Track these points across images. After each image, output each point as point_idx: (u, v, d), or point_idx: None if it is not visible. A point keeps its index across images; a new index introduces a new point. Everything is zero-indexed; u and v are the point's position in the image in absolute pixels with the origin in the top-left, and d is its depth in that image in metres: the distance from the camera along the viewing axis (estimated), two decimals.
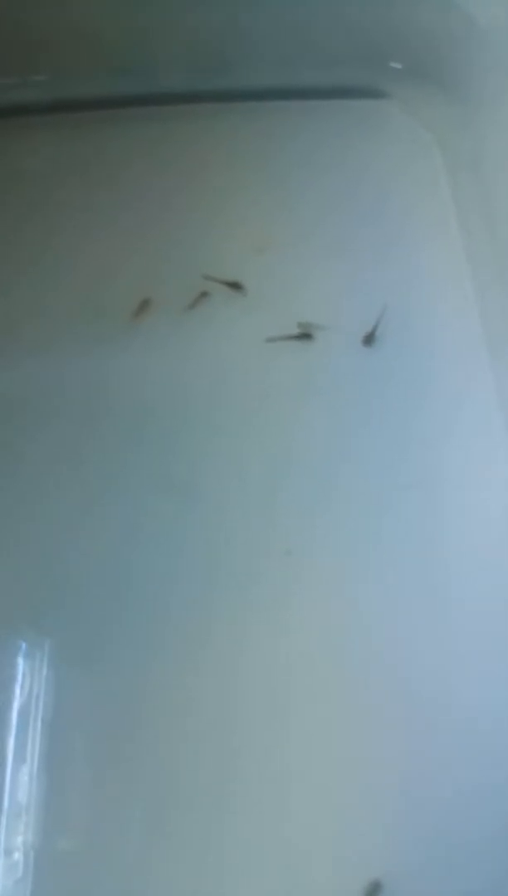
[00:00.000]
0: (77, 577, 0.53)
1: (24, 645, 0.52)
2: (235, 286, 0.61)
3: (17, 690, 0.51)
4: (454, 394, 0.58)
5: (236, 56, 0.66)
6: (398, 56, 0.67)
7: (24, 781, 0.49)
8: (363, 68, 0.67)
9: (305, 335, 0.59)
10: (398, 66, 0.67)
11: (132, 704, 0.50)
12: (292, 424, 0.57)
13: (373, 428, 0.57)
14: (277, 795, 0.49)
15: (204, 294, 0.61)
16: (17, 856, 0.48)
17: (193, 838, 0.48)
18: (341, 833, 0.48)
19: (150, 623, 0.52)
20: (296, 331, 0.59)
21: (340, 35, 0.65)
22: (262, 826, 0.49)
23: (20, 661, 0.52)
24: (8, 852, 0.48)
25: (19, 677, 0.51)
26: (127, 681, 0.51)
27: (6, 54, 0.64)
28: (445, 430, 0.57)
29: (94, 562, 0.54)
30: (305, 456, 0.57)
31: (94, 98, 0.67)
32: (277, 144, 0.66)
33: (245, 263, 0.61)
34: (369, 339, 0.59)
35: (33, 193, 0.64)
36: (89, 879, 0.48)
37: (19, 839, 0.48)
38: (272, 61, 0.66)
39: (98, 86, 0.67)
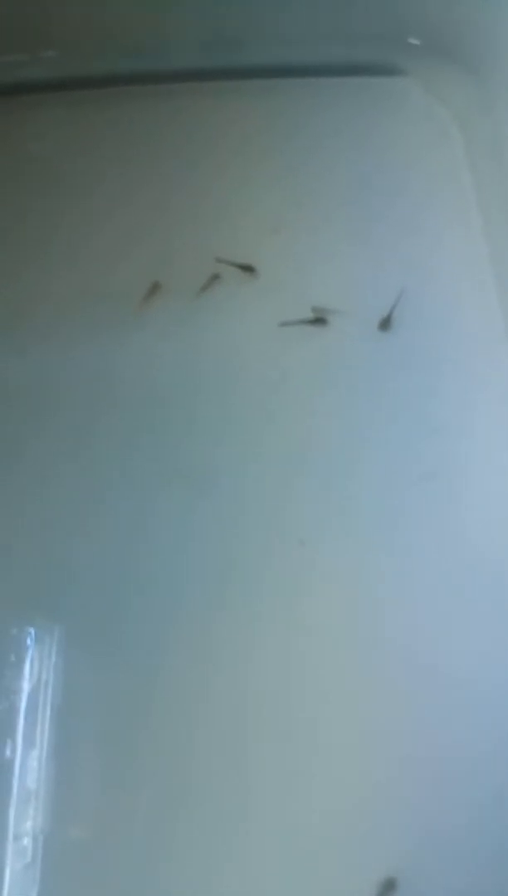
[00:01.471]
0: (87, 564, 0.53)
1: (33, 631, 0.52)
2: (247, 269, 0.60)
3: (27, 677, 0.51)
4: (472, 380, 0.57)
5: (250, 32, 0.65)
6: (416, 32, 0.65)
7: (34, 767, 0.49)
8: (381, 44, 0.66)
9: (319, 320, 0.58)
10: (416, 42, 0.66)
11: (143, 691, 0.50)
12: (307, 412, 0.57)
13: (389, 415, 0.57)
14: (289, 787, 0.49)
15: (216, 277, 0.60)
16: (27, 841, 0.48)
17: (203, 826, 0.48)
18: (355, 829, 0.48)
19: (161, 611, 0.52)
20: (310, 315, 0.58)
21: (356, 10, 0.64)
22: (273, 818, 0.49)
23: (30, 648, 0.52)
24: (17, 837, 0.48)
25: (29, 664, 0.51)
26: (138, 668, 0.51)
27: (14, 31, 0.63)
28: (463, 417, 0.56)
29: (104, 549, 0.54)
30: (319, 444, 0.56)
31: (103, 75, 0.66)
32: (291, 123, 0.64)
33: (258, 246, 0.60)
34: (385, 324, 0.58)
35: (41, 173, 0.63)
36: (98, 865, 0.48)
37: (28, 824, 0.48)
38: (287, 38, 0.65)
39: (108, 63, 0.66)
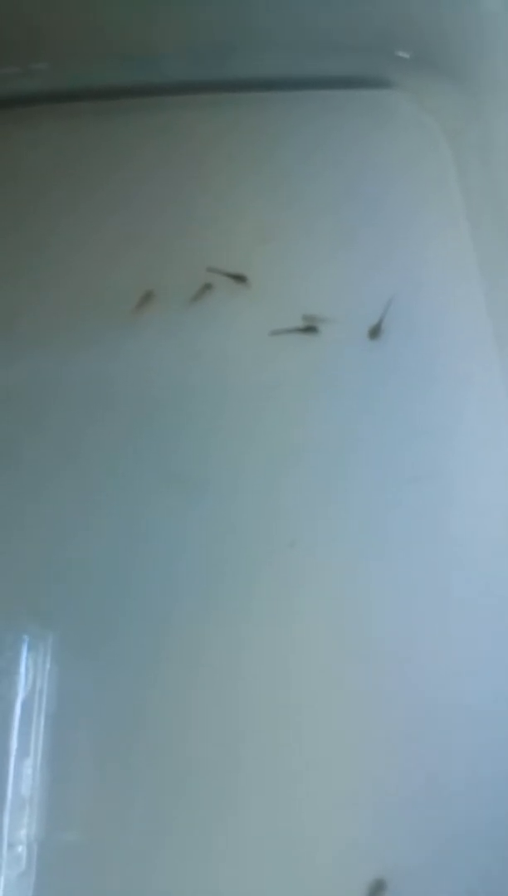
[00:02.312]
0: (80, 569, 0.53)
1: (27, 638, 0.52)
2: (239, 278, 0.60)
3: (21, 684, 0.51)
4: (460, 386, 0.58)
5: (240, 45, 0.65)
6: (405, 45, 0.66)
7: (28, 774, 0.49)
8: (370, 57, 0.66)
9: (310, 328, 0.59)
10: (405, 55, 0.67)
11: (136, 697, 0.50)
12: (297, 417, 0.57)
13: (379, 420, 0.57)
14: (281, 791, 0.49)
15: (207, 286, 0.60)
16: (21, 849, 0.48)
17: (196, 832, 0.48)
18: (345, 830, 0.48)
19: (153, 615, 0.52)
20: (301, 323, 0.59)
21: (346, 23, 0.64)
22: (266, 822, 0.48)
23: (23, 655, 0.52)
24: (11, 845, 0.48)
25: (22, 671, 0.51)
26: (131, 673, 0.51)
27: (5, 43, 0.64)
28: (451, 423, 0.57)
29: (97, 554, 0.54)
30: (310, 448, 0.56)
31: (95, 87, 0.66)
32: (281, 134, 0.65)
33: (249, 255, 0.61)
34: (375, 332, 0.59)
35: (34, 184, 0.64)
36: (92, 872, 0.48)
37: (23, 832, 0.48)
38: (277, 50, 0.66)
39: (99, 75, 0.66)
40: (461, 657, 0.51)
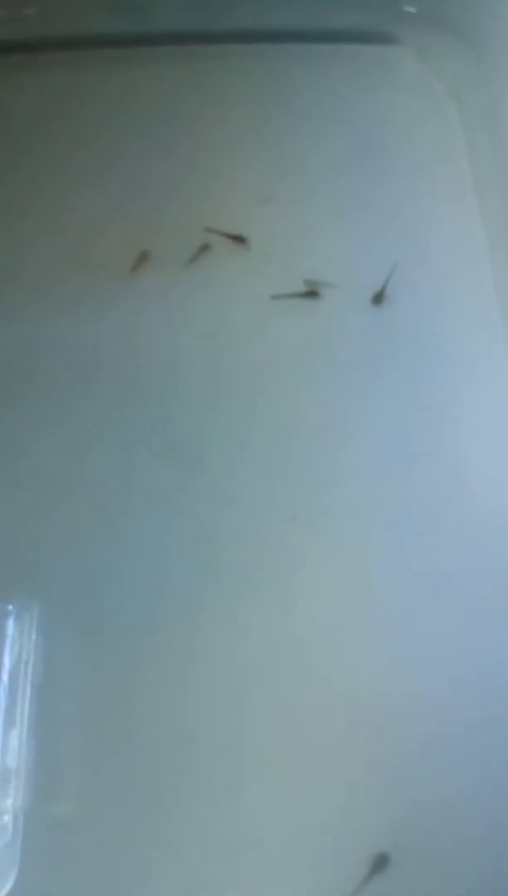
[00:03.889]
0: (69, 539, 0.53)
1: (12, 608, 0.51)
2: (238, 239, 0.59)
3: (7, 654, 0.50)
4: (466, 356, 0.57)
5: None
6: None
7: (14, 745, 0.49)
8: (375, 11, 0.64)
9: (311, 293, 0.58)
10: (412, 9, 0.65)
11: (126, 669, 0.50)
12: (298, 387, 0.56)
13: (382, 391, 0.56)
14: (282, 762, 0.49)
15: (205, 247, 0.59)
16: (7, 819, 0.48)
17: (189, 803, 0.48)
18: (348, 805, 0.48)
19: (146, 587, 0.52)
20: (302, 288, 0.58)
21: None
22: (266, 794, 0.48)
23: (9, 625, 0.51)
24: None
25: (9, 641, 0.51)
26: (121, 645, 0.50)
27: None
28: (457, 394, 0.56)
29: (87, 524, 0.53)
30: (311, 420, 0.55)
31: (87, 36, 0.64)
32: (282, 90, 0.63)
33: (249, 216, 0.59)
34: (378, 299, 0.58)
35: (21, 138, 0.62)
36: (78, 843, 0.48)
37: (8, 802, 0.48)
38: (279, 1, 0.63)
39: (92, 23, 0.64)
40: (463, 634, 0.51)
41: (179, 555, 0.52)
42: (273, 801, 0.48)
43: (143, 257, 0.58)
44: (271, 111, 0.62)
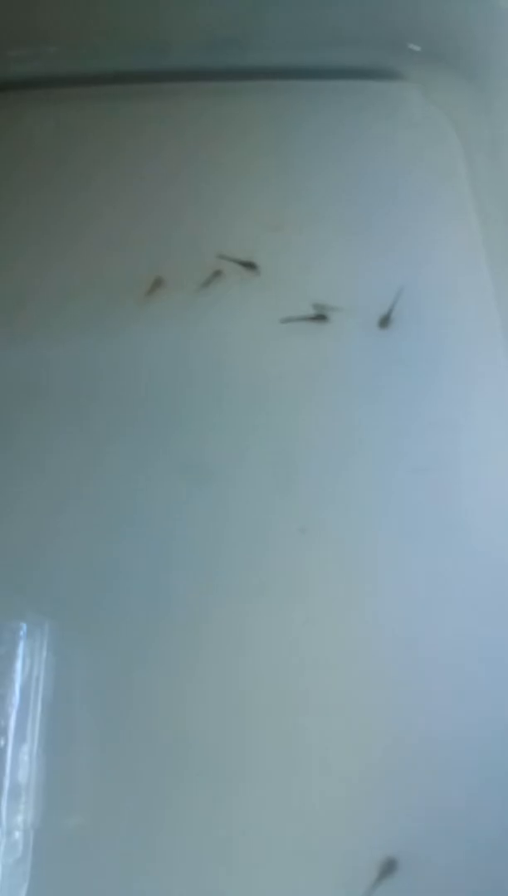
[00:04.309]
0: (80, 557, 0.53)
1: (23, 626, 0.52)
2: (249, 266, 0.60)
3: (18, 672, 0.51)
4: (469, 377, 0.58)
5: (250, 33, 0.65)
6: (416, 37, 0.66)
7: (25, 761, 0.49)
8: (381, 49, 0.66)
9: (320, 316, 0.59)
10: (416, 47, 0.67)
11: (136, 685, 0.50)
12: (306, 406, 0.57)
13: (388, 410, 0.57)
14: (288, 772, 0.49)
15: (217, 273, 0.60)
16: (18, 835, 0.48)
17: (198, 817, 0.48)
18: (356, 809, 0.48)
19: (156, 603, 0.52)
20: (311, 312, 0.59)
21: (357, 14, 0.64)
22: (273, 804, 0.48)
23: (20, 643, 0.51)
24: (8, 832, 0.48)
25: (20, 659, 0.51)
26: (131, 662, 0.51)
27: (14, 26, 0.63)
28: (460, 414, 0.57)
29: (97, 542, 0.53)
30: (319, 438, 0.56)
31: (103, 72, 0.66)
32: (291, 124, 0.65)
33: (259, 243, 0.61)
34: (384, 322, 0.59)
35: (41, 168, 0.63)
36: (89, 859, 0.47)
37: (20, 818, 0.48)
38: (287, 39, 0.65)
39: (109, 60, 0.66)
40: (467, 644, 0.51)
41: (189, 571, 0.53)
42: (282, 808, 0.48)
43: (157, 283, 0.60)
44: (278, 144, 0.64)
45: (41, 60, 0.66)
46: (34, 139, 0.64)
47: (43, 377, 0.57)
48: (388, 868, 0.46)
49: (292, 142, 0.64)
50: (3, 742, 0.49)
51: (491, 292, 0.60)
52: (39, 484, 0.55)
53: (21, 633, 0.51)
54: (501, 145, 0.63)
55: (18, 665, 0.51)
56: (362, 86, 0.66)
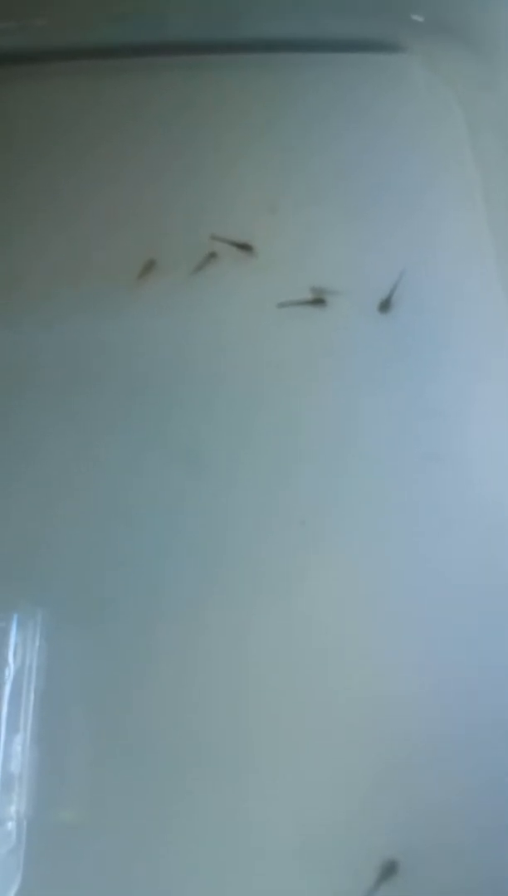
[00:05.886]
0: (73, 546, 0.53)
1: (16, 615, 0.51)
2: (244, 248, 0.59)
3: (11, 661, 0.51)
4: (472, 363, 0.57)
5: (247, 4, 0.64)
6: (419, 8, 0.65)
7: (17, 751, 0.49)
8: (383, 20, 0.65)
9: (318, 300, 0.58)
10: (419, 18, 0.65)
11: (130, 675, 0.50)
12: (305, 393, 0.56)
13: (389, 397, 0.56)
14: (290, 768, 0.49)
15: (212, 255, 0.59)
16: (10, 825, 0.48)
17: (194, 809, 0.48)
18: (357, 810, 0.48)
19: (152, 592, 0.51)
20: (309, 296, 0.58)
21: None
22: (274, 801, 0.48)
23: (12, 632, 0.51)
24: (1, 822, 0.48)
25: (12, 648, 0.51)
26: (125, 652, 0.50)
27: None
28: (463, 400, 0.56)
29: (91, 530, 0.53)
30: (318, 425, 0.55)
31: (96, 46, 0.65)
32: (290, 98, 0.63)
33: (256, 224, 0.60)
34: (385, 306, 0.58)
35: (30, 145, 0.62)
36: (83, 849, 0.47)
37: (12, 809, 0.48)
38: (285, 11, 0.64)
39: (101, 34, 0.64)
40: (473, 637, 0.51)
41: (186, 561, 0.52)
42: (280, 806, 0.48)
43: (149, 265, 0.58)
44: (277, 119, 0.63)
45: (27, 33, 0.64)
46: (20, 118, 0.63)
47: (34, 362, 0.56)
48: (389, 869, 0.46)
49: (289, 118, 0.63)
50: None
51: (496, 275, 0.58)
52: (30, 472, 0.54)
53: (13, 622, 0.51)
54: (506, 120, 0.61)
55: (10, 655, 0.50)
56: (362, 58, 0.65)
